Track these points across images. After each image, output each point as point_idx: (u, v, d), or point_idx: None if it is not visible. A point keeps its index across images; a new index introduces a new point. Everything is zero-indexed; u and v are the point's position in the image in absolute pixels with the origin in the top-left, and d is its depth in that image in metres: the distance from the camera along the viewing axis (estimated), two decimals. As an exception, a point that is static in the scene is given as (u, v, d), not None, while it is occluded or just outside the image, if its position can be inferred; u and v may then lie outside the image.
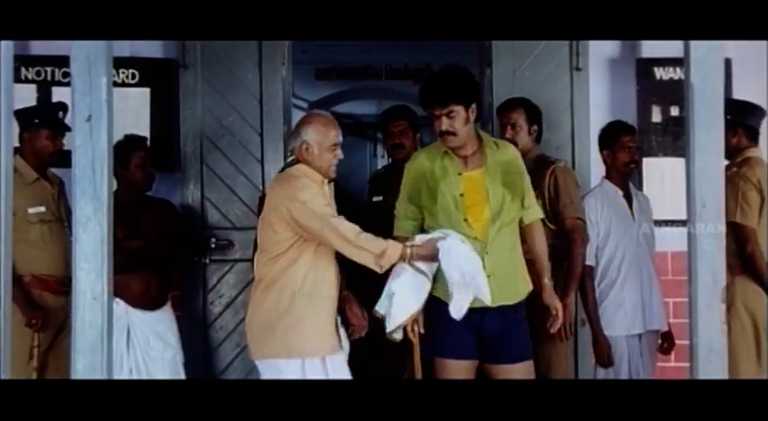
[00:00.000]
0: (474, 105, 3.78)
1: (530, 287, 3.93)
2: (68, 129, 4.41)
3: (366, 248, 3.60)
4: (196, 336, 5.12)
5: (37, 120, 4.48)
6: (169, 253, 4.68)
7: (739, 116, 4.37)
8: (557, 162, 4.44)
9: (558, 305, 3.95)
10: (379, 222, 4.02)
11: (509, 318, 3.83)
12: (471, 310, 3.73)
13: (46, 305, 4.40)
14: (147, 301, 4.58)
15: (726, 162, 4.48)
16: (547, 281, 3.98)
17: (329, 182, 3.82)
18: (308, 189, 3.65)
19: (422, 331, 3.81)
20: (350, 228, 3.61)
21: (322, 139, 3.76)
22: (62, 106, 4.52)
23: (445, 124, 3.74)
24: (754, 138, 4.47)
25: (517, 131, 4.45)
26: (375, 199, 4.98)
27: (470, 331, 3.79)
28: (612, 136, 4.61)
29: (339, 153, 3.79)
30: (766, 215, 4.31)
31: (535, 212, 3.99)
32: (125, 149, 4.51)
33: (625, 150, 4.54)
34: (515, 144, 4.22)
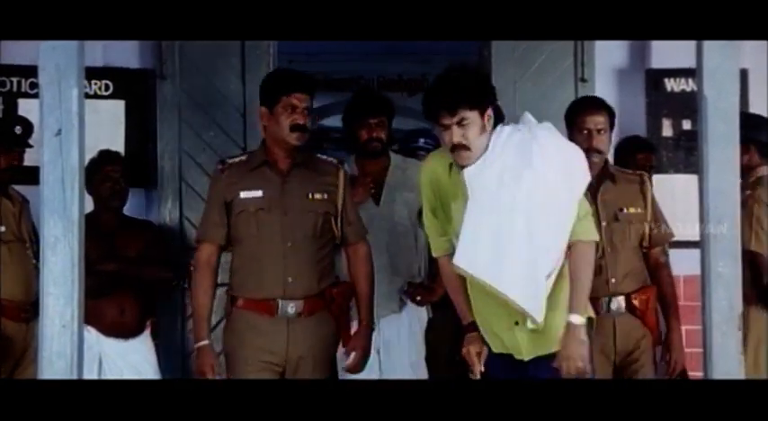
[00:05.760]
0: (490, 111, 3.33)
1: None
2: (25, 145, 4.40)
3: None
4: (174, 368, 5.09)
5: None
6: (147, 276, 4.66)
7: (750, 132, 4.28)
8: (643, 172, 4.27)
9: (683, 364, 4.02)
10: None
11: None
12: (511, 362, 3.41)
13: (5, 333, 4.35)
14: (121, 329, 4.55)
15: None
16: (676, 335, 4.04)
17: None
18: None
19: (482, 369, 3.49)
20: None
21: None
22: (20, 120, 4.51)
23: (458, 135, 3.27)
24: (767, 154, 4.43)
25: (602, 137, 4.06)
26: None
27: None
28: (627, 152, 4.60)
29: None
30: None
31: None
32: (94, 164, 4.51)
33: (639, 168, 4.52)
34: (599, 152, 4.00)
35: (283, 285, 3.84)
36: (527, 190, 3.24)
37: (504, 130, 3.36)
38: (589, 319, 3.41)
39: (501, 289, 3.23)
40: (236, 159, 4.03)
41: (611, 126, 4.12)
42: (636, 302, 3.99)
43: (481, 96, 3.31)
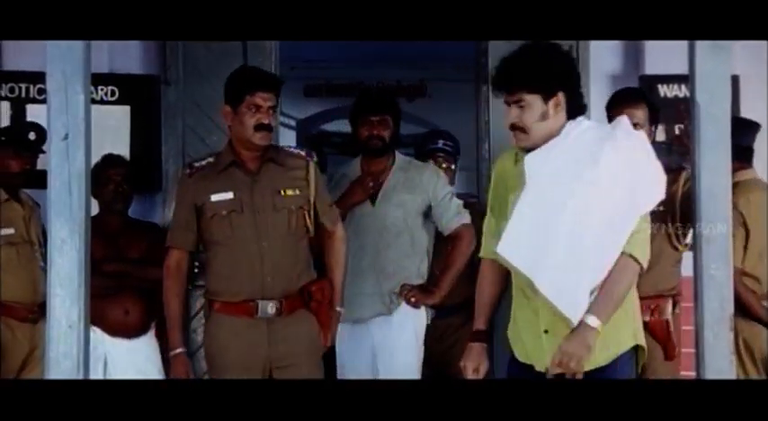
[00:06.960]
0: (561, 95, 3.08)
1: (625, 346, 3.15)
2: (38, 151, 4.43)
3: None
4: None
5: (3, 138, 4.52)
6: (151, 278, 4.66)
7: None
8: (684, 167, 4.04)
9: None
10: None
11: None
12: (532, 376, 3.16)
13: (12, 334, 4.38)
14: (125, 329, 4.55)
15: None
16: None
17: None
18: None
19: None
20: None
21: None
22: (34, 126, 4.53)
23: (513, 115, 3.11)
24: (746, 158, 4.28)
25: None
26: None
27: None
28: None
29: None
30: (755, 246, 4.15)
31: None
32: (98, 168, 4.52)
33: None
34: None
35: (262, 285, 3.75)
36: (582, 194, 3.01)
37: (583, 124, 3.16)
38: (639, 348, 3.18)
39: (542, 289, 3.01)
40: (203, 162, 3.90)
41: (652, 121, 3.93)
42: None
43: (545, 82, 3.08)
